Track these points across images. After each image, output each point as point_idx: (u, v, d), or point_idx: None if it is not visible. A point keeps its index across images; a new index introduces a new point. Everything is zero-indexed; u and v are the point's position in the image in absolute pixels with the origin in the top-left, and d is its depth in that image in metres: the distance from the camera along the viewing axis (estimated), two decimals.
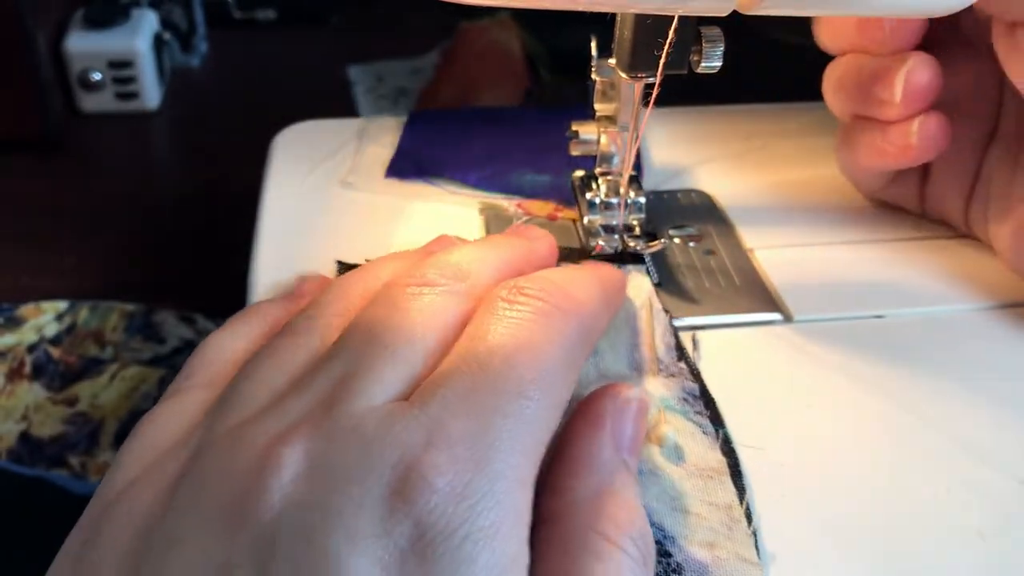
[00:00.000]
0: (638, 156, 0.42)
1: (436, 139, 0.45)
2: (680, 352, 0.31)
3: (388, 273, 0.28)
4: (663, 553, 0.25)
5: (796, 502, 0.27)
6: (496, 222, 0.39)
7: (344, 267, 0.35)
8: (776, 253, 0.38)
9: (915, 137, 0.34)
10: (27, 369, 0.44)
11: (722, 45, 0.30)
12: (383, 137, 0.46)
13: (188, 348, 0.46)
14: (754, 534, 0.26)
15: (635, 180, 0.37)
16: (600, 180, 0.37)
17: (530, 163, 0.43)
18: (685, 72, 0.31)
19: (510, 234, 0.31)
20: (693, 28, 0.30)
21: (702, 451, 0.28)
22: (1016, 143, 0.35)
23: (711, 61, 0.30)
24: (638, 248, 0.36)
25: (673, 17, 0.29)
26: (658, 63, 0.30)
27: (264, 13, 0.75)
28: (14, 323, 0.46)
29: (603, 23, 0.31)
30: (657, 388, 0.30)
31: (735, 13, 0.26)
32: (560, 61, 0.64)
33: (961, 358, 0.33)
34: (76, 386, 0.44)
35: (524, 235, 0.31)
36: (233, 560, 0.19)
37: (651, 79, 0.31)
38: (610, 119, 0.36)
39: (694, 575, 0.24)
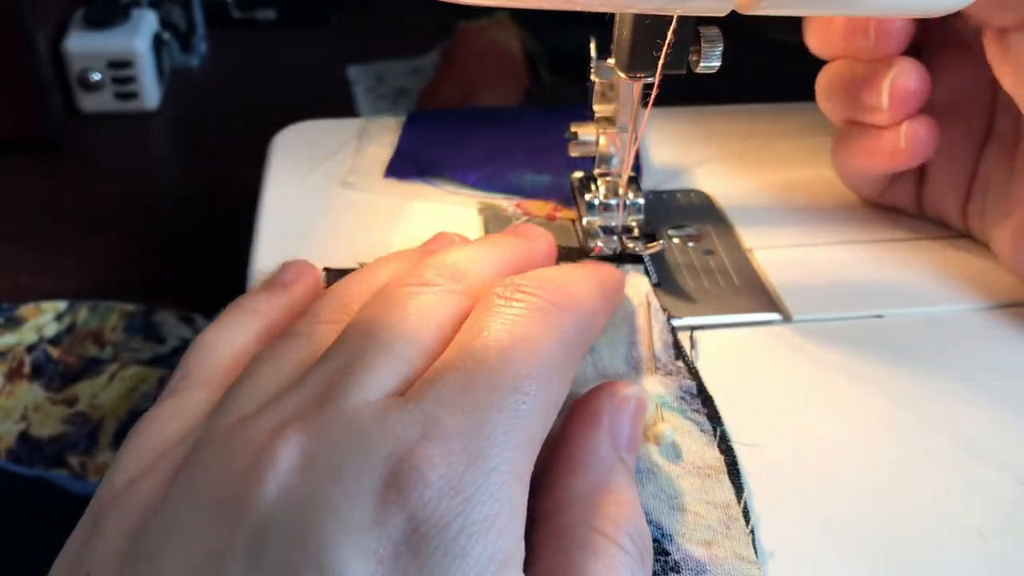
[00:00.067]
0: (637, 157, 0.42)
1: (436, 139, 0.45)
2: (678, 350, 0.31)
3: (387, 274, 0.28)
4: (660, 551, 0.25)
5: (795, 502, 0.27)
6: (495, 222, 0.39)
7: (331, 274, 0.35)
8: (775, 253, 0.38)
9: (904, 141, 0.35)
10: (27, 369, 0.44)
11: (721, 45, 0.30)
12: (383, 137, 0.46)
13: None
14: (752, 532, 0.26)
15: (634, 181, 0.37)
16: (599, 181, 0.37)
17: (529, 163, 0.43)
18: (684, 72, 0.31)
19: (509, 233, 0.31)
20: (692, 28, 0.30)
21: (700, 449, 0.28)
22: (1012, 144, 0.35)
23: (710, 61, 0.30)
24: (637, 249, 0.36)
25: (672, 17, 0.29)
26: (657, 63, 0.30)
27: (264, 13, 0.75)
28: (14, 323, 0.46)
29: (602, 23, 0.31)
30: (655, 386, 0.30)
31: (734, 13, 0.26)
32: (559, 61, 0.64)
33: (961, 358, 0.33)
34: (76, 386, 0.44)
35: (523, 234, 0.31)
36: (226, 549, 0.19)
37: (650, 79, 0.31)
38: (609, 120, 0.36)
39: (692, 573, 0.24)
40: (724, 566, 0.25)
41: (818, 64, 0.38)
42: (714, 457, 0.28)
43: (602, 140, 0.36)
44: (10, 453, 0.41)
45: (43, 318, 0.47)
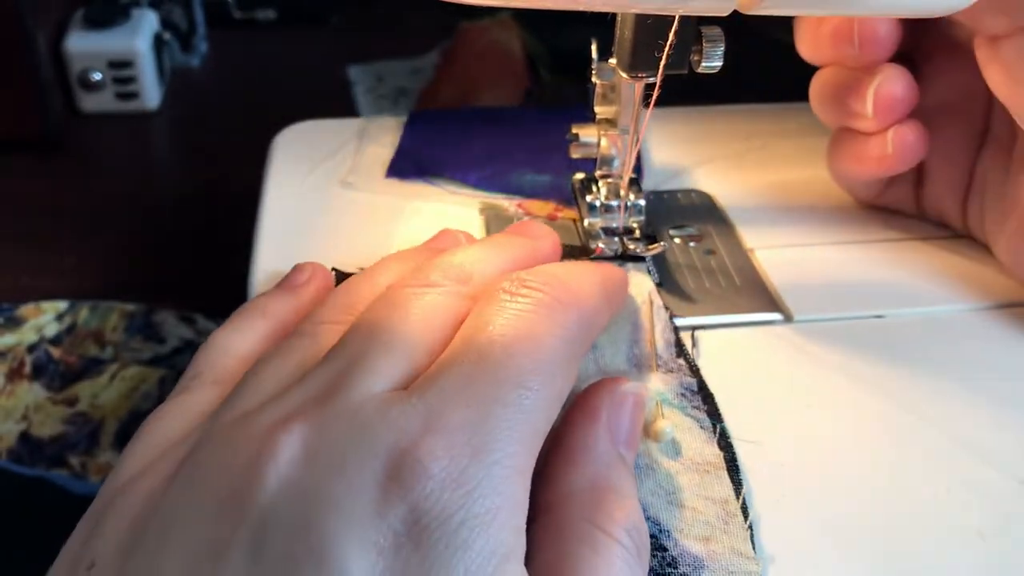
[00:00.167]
0: (638, 158, 0.42)
1: (436, 139, 0.45)
2: (679, 348, 0.32)
3: (393, 275, 0.28)
4: (658, 547, 0.25)
5: (796, 502, 0.27)
6: (496, 222, 0.39)
7: (340, 276, 0.35)
8: (776, 253, 0.38)
9: (891, 147, 0.35)
10: (27, 369, 0.44)
11: (723, 45, 0.30)
12: (383, 137, 0.46)
13: (188, 348, 0.46)
14: (750, 528, 0.26)
15: (635, 183, 0.37)
16: (600, 183, 0.37)
17: (530, 163, 0.43)
18: (686, 72, 0.31)
19: (513, 232, 0.31)
20: (694, 28, 0.30)
21: (699, 445, 0.28)
22: (1008, 146, 0.36)
23: (712, 61, 0.30)
24: (638, 251, 0.36)
25: (674, 17, 0.29)
26: (659, 63, 0.30)
27: (264, 13, 0.75)
28: (14, 323, 0.46)
29: (604, 23, 0.31)
30: (655, 383, 0.30)
31: (736, 13, 0.26)
32: (560, 61, 0.64)
33: (961, 358, 0.33)
34: (76, 386, 0.44)
35: (527, 233, 0.31)
36: (227, 540, 0.19)
37: (652, 79, 0.31)
38: (610, 122, 0.36)
39: (689, 569, 0.24)
40: (722, 562, 0.25)
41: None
42: (713, 453, 0.28)
43: (603, 142, 0.36)
44: (11, 453, 0.41)
45: (43, 318, 0.47)
